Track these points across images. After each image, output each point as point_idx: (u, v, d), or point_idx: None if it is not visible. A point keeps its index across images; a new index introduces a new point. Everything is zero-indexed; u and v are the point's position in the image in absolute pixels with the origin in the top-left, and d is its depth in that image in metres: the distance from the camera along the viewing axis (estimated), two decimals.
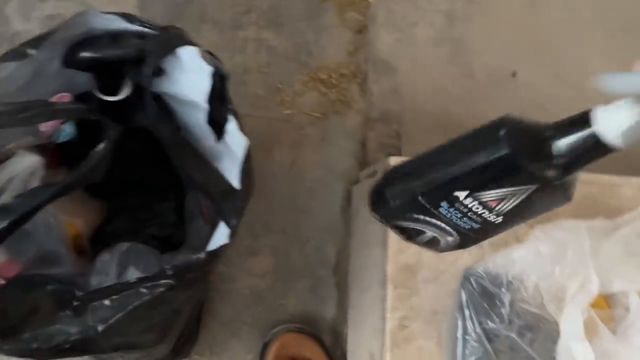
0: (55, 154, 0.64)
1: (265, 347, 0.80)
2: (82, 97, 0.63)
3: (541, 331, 0.66)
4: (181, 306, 0.56)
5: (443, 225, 0.50)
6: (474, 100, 0.93)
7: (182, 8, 0.90)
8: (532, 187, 0.43)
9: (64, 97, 0.55)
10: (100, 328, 0.47)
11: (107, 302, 0.47)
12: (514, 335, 0.65)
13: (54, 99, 0.54)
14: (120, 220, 0.66)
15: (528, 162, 0.41)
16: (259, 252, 0.85)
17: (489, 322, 0.65)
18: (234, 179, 0.51)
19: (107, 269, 0.57)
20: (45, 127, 0.54)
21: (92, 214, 0.65)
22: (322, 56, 0.95)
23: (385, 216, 0.54)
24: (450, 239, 0.52)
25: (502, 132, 0.43)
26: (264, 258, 0.85)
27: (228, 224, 0.48)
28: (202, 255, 0.47)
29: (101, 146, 0.54)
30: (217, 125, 0.56)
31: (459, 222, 0.49)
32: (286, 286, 0.85)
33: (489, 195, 0.45)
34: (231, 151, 0.54)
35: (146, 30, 0.53)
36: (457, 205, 0.47)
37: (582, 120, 0.40)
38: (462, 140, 0.47)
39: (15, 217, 0.43)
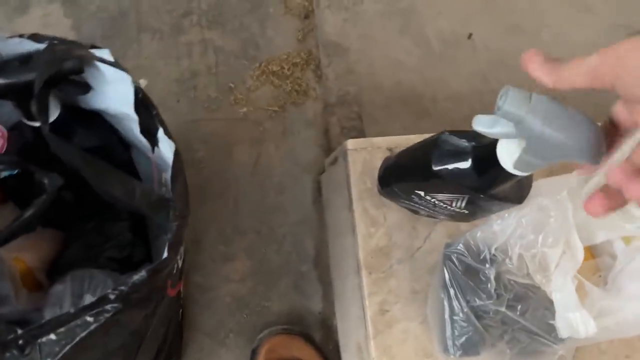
0: (0, 189, 0.62)
1: (253, 353, 0.77)
2: (16, 127, 0.61)
3: (531, 300, 0.63)
4: (141, 327, 0.53)
5: (426, 209, 0.60)
6: (431, 69, 0.90)
7: (118, 22, 0.87)
8: (467, 196, 0.50)
9: None
10: None
11: (53, 336, 0.45)
12: (503, 309, 0.62)
13: None
14: (75, 247, 0.64)
15: (452, 177, 0.48)
16: (234, 257, 0.83)
17: (477, 299, 0.62)
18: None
19: (61, 300, 0.55)
20: None
21: (45, 245, 0.63)
22: (271, 48, 0.92)
23: (388, 198, 0.67)
24: (442, 217, 0.63)
25: (433, 149, 0.50)
26: (241, 262, 0.83)
27: (166, 236, 0.46)
28: (143, 273, 0.45)
29: (42, 197, 0.52)
30: (149, 134, 0.54)
31: (435, 209, 0.58)
32: (268, 287, 0.83)
33: (439, 196, 0.53)
34: (165, 159, 0.52)
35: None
36: (423, 199, 0.56)
37: (489, 145, 0.44)
38: (414, 149, 0.57)
39: None
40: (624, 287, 0.64)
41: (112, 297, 0.45)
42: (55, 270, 0.63)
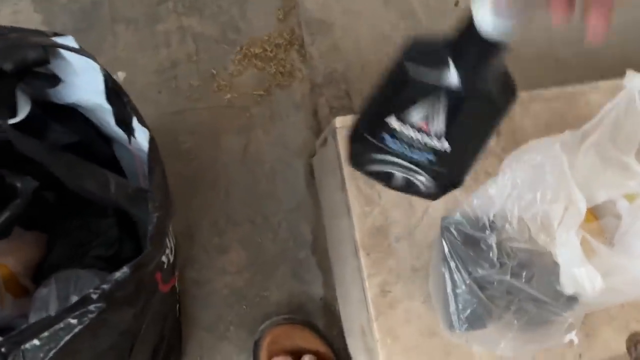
0: None
1: (256, 345, 0.75)
2: None
3: (536, 266, 0.60)
4: (132, 326, 0.51)
5: (401, 161, 0.50)
6: None
7: (90, 14, 0.84)
8: (444, 99, 0.43)
9: None
10: None
11: (36, 341, 0.43)
12: (508, 277, 0.59)
13: None
14: (60, 248, 0.62)
15: (423, 69, 0.42)
16: (229, 249, 0.81)
17: (479, 270, 0.59)
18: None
19: (46, 304, 0.53)
20: None
21: (28, 249, 0.60)
22: (252, 30, 0.89)
23: (357, 164, 0.55)
24: (422, 178, 0.52)
25: (402, 52, 0.44)
26: (236, 253, 0.80)
27: (147, 229, 0.43)
28: (125, 270, 0.42)
29: (16, 202, 0.50)
30: (125, 124, 0.51)
31: (411, 154, 0.48)
32: (266, 277, 0.81)
33: (412, 115, 0.45)
34: (143, 149, 0.49)
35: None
36: (394, 133, 0.47)
37: (468, 20, 0.39)
38: (380, 78, 0.48)
39: None
40: (632, 246, 0.62)
41: (94, 296, 0.43)
42: (41, 273, 0.61)
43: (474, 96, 0.43)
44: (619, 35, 0.99)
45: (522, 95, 0.74)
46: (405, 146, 0.47)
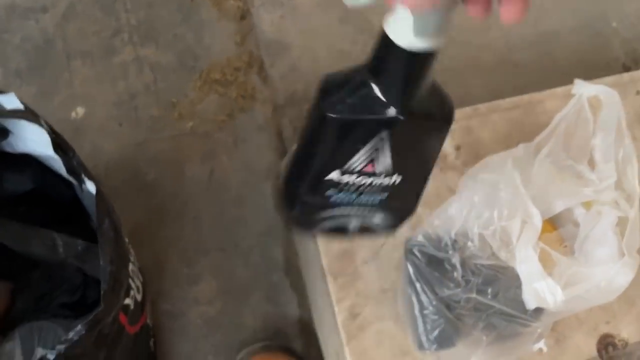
0: None
1: None
2: None
3: (501, 281, 0.61)
4: None
5: (352, 210, 0.46)
6: None
7: (44, 52, 0.83)
8: (385, 133, 0.39)
9: None
10: None
11: None
12: (474, 295, 0.60)
13: None
14: (23, 299, 0.61)
15: (350, 107, 0.37)
16: (199, 279, 0.80)
17: (445, 290, 0.59)
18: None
19: (11, 359, 0.52)
20: None
21: None
22: (210, 55, 0.88)
23: (303, 228, 0.51)
24: (377, 218, 0.48)
25: (319, 97, 0.38)
26: (207, 283, 0.80)
27: (100, 284, 0.43)
28: (79, 328, 0.42)
29: None
30: (75, 174, 0.51)
31: (363, 200, 0.45)
32: (239, 304, 0.80)
33: (356, 163, 0.41)
34: (93, 199, 0.49)
35: None
36: (341, 187, 0.43)
37: (381, 39, 0.34)
38: (300, 138, 0.43)
39: None
40: (591, 253, 0.63)
41: (51, 357, 0.42)
42: (6, 325, 0.60)
43: (415, 118, 0.39)
44: (574, 36, 1.01)
45: (480, 107, 0.75)
46: (354, 194, 0.44)
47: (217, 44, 0.89)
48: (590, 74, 0.69)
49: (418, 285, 0.60)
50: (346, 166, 0.41)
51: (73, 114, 0.82)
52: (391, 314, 0.65)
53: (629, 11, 1.04)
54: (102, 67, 0.85)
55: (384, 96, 0.37)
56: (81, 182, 0.51)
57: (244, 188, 0.85)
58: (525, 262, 0.55)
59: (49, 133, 0.46)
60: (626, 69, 1.02)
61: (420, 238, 0.62)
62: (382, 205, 0.45)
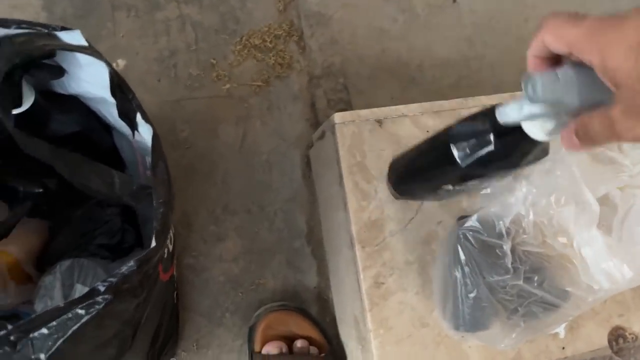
0: None
1: (251, 331, 0.77)
2: None
3: (547, 269, 0.62)
4: (135, 315, 0.53)
5: (452, 195, 0.59)
6: (416, 36, 0.88)
7: (90, 0, 0.84)
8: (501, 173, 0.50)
9: None
10: (43, 358, 0.44)
11: (44, 330, 0.45)
12: (520, 282, 0.61)
13: None
14: (63, 236, 0.63)
15: (481, 165, 0.46)
16: (225, 237, 0.82)
17: (495, 275, 0.60)
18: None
19: (50, 292, 0.54)
20: None
21: (31, 236, 0.61)
22: (252, 21, 0.89)
23: (405, 198, 0.68)
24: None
25: (450, 146, 0.48)
26: (232, 242, 0.82)
27: (152, 224, 0.45)
28: (132, 264, 0.44)
29: (20, 207, 0.51)
30: (128, 118, 0.52)
31: (462, 192, 0.59)
32: (261, 265, 0.82)
33: (470, 183, 0.52)
34: (146, 143, 0.50)
35: (22, 31, 0.48)
36: (451, 191, 0.55)
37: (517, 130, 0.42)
38: (426, 151, 0.55)
39: None
40: (634, 233, 0.64)
41: (102, 288, 0.44)
42: (44, 260, 0.62)
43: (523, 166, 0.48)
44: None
45: (518, 95, 0.76)
46: (458, 191, 0.56)
47: (260, 9, 0.90)
48: None
49: (467, 269, 0.61)
50: (463, 183, 0.52)
51: (114, 65, 0.83)
52: (414, 286, 0.67)
53: None
54: (146, 21, 0.85)
55: (504, 155, 0.45)
56: (134, 127, 0.52)
57: (274, 154, 0.86)
58: (590, 245, 0.57)
59: (110, 73, 0.47)
60: None
61: (474, 223, 0.62)
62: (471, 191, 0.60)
